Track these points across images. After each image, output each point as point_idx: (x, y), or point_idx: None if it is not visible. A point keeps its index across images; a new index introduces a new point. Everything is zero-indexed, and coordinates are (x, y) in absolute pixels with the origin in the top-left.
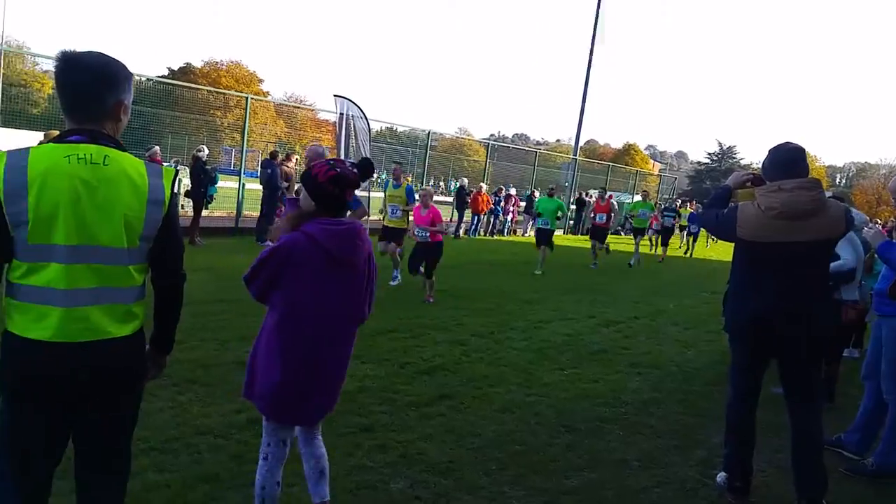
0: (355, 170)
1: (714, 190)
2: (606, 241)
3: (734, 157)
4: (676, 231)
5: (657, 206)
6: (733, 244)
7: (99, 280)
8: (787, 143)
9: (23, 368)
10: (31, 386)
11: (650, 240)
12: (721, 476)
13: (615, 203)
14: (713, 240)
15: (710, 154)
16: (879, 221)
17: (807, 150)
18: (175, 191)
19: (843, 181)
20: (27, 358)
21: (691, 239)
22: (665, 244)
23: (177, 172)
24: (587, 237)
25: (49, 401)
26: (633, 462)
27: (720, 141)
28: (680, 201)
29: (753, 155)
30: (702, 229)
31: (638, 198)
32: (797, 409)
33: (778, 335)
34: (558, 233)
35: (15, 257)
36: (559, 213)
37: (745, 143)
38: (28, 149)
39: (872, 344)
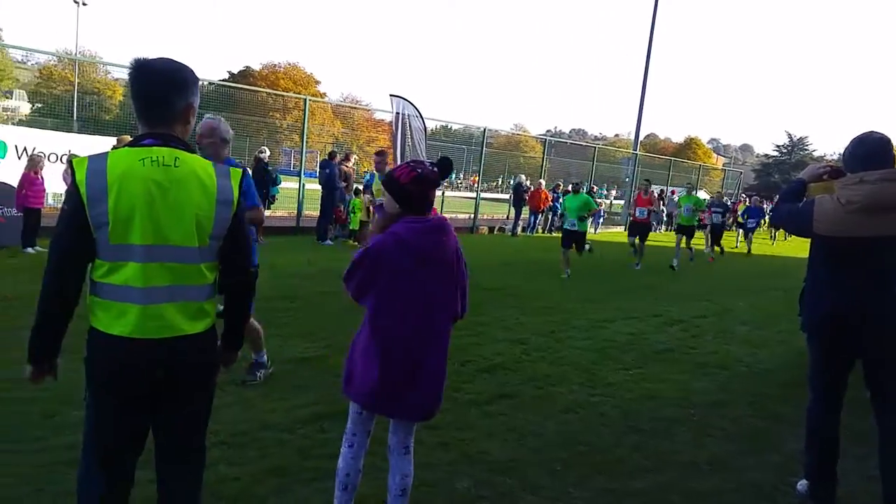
0: (435, 168)
1: (786, 184)
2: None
3: (805, 149)
4: (734, 229)
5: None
6: (809, 240)
7: (172, 278)
8: (872, 132)
9: (107, 363)
10: (115, 380)
11: (706, 237)
12: (802, 484)
13: (656, 195)
14: (786, 236)
15: (778, 146)
16: None
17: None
18: (242, 190)
19: None
20: (111, 353)
21: (747, 236)
22: (716, 243)
23: (244, 172)
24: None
25: (130, 395)
26: (703, 465)
27: (790, 132)
28: (745, 196)
29: (828, 146)
30: (759, 226)
31: (704, 195)
32: (884, 412)
33: (857, 334)
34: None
35: (98, 257)
36: (588, 211)
37: (819, 133)
38: (106, 153)
39: None
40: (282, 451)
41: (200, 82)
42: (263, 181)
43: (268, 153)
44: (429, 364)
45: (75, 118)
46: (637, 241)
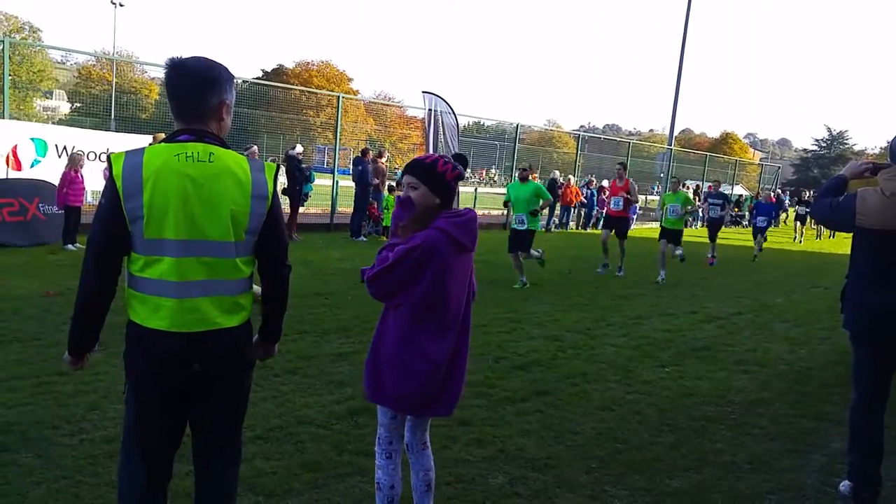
0: (458, 164)
1: (826, 180)
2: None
3: (846, 143)
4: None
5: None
6: (851, 235)
7: (208, 273)
8: None
9: (145, 356)
10: (153, 373)
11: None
12: (845, 485)
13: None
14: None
15: (817, 140)
16: None
17: None
18: (277, 187)
19: None
20: (149, 346)
21: (755, 237)
22: (712, 239)
23: (278, 167)
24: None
25: (168, 388)
26: (744, 465)
27: (829, 126)
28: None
29: (869, 140)
30: (772, 224)
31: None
32: None
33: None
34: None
35: (134, 251)
36: (542, 203)
37: (859, 127)
38: (143, 148)
39: None
40: (317, 446)
41: (234, 80)
42: (296, 178)
43: (300, 149)
44: (461, 358)
45: (113, 117)
46: (613, 236)
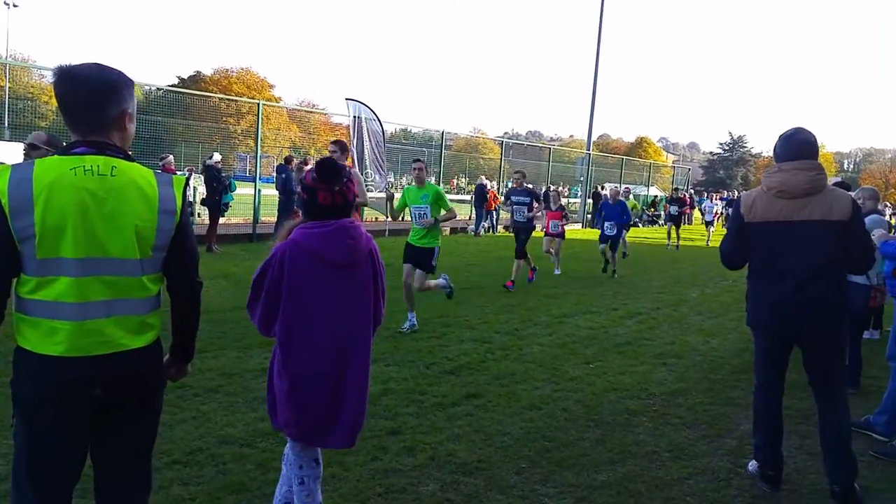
0: (314, 174)
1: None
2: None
3: (745, 147)
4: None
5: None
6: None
7: (111, 292)
8: (800, 131)
9: (36, 385)
10: (46, 403)
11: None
12: (752, 465)
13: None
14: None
15: (721, 144)
16: (889, 205)
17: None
18: (187, 199)
19: (851, 166)
20: (40, 374)
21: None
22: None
23: (187, 180)
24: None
25: (65, 418)
26: (664, 453)
27: (731, 131)
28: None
29: (763, 144)
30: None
31: (656, 191)
32: (822, 396)
33: (796, 323)
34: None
35: (23, 272)
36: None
37: (755, 132)
38: (33, 162)
39: (895, 324)
40: (241, 467)
41: (148, 87)
42: (215, 188)
43: (218, 158)
44: (352, 375)
45: (6, 125)
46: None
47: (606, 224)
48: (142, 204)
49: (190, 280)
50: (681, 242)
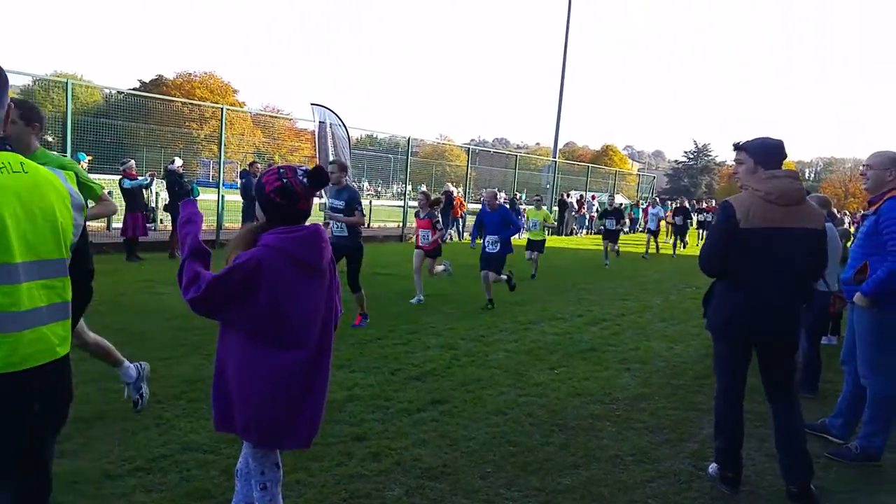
0: (305, 179)
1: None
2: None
3: (709, 155)
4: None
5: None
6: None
7: (48, 297)
8: (769, 138)
9: None
10: None
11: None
12: (713, 467)
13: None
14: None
15: (686, 152)
16: (848, 213)
17: None
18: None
19: (812, 175)
20: None
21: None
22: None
23: (78, 173)
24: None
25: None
26: (627, 457)
27: (695, 139)
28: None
29: (727, 153)
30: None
31: (622, 199)
32: (777, 399)
33: (767, 328)
34: None
35: None
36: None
37: (719, 141)
38: None
39: (849, 329)
40: (205, 473)
41: (108, 91)
42: (178, 194)
43: (180, 163)
44: (320, 375)
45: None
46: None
47: (488, 238)
48: (59, 201)
49: (88, 272)
50: (621, 249)
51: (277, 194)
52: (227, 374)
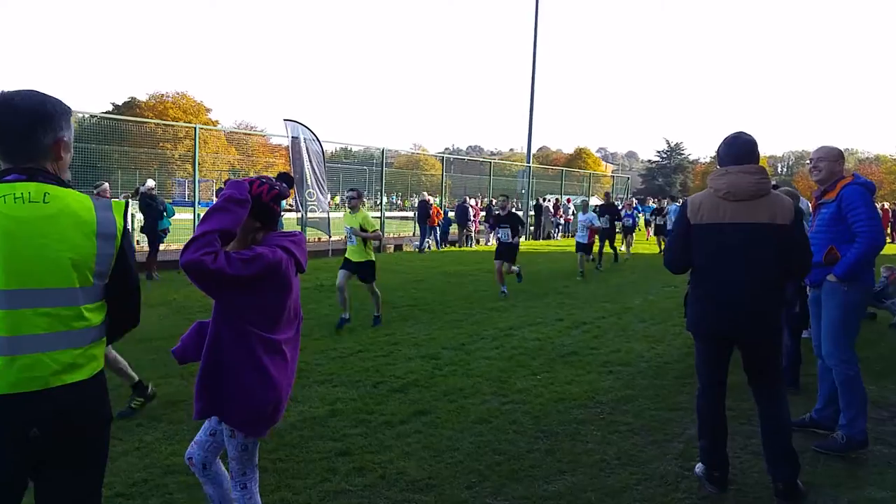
0: (284, 184)
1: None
2: None
3: (682, 154)
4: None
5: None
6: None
7: (47, 325)
8: (741, 134)
9: None
10: None
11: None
12: (699, 467)
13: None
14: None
15: (659, 152)
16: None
17: None
18: (127, 224)
19: (784, 170)
20: None
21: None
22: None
23: (127, 204)
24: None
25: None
26: (613, 461)
27: (667, 139)
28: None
29: (700, 150)
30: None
31: (597, 200)
32: (762, 395)
33: (738, 326)
34: None
35: None
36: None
37: (692, 139)
38: None
39: (814, 319)
40: (189, 496)
41: (81, 115)
42: (152, 215)
43: (152, 184)
44: (292, 371)
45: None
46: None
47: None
48: (77, 230)
49: (133, 319)
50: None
51: (275, 201)
52: (224, 361)
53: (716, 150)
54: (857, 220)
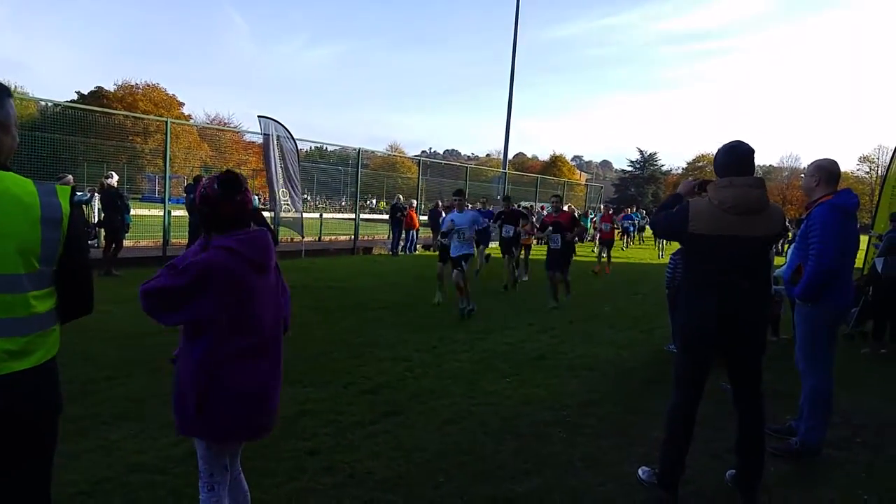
0: (216, 185)
1: (665, 199)
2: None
3: (655, 164)
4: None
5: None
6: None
7: None
8: (740, 143)
9: None
10: None
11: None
12: (646, 472)
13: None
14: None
15: (632, 162)
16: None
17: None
18: (76, 209)
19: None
20: None
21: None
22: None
23: (73, 189)
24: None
25: None
26: (578, 463)
27: (641, 149)
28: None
29: (672, 160)
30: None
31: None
32: (747, 403)
33: (734, 337)
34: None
35: None
36: None
37: (664, 149)
38: None
39: (795, 329)
40: (153, 495)
41: (44, 103)
42: (117, 208)
43: (116, 178)
44: (279, 369)
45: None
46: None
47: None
48: (20, 215)
49: (82, 294)
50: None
51: (207, 203)
52: (200, 380)
53: (713, 157)
54: (811, 242)
